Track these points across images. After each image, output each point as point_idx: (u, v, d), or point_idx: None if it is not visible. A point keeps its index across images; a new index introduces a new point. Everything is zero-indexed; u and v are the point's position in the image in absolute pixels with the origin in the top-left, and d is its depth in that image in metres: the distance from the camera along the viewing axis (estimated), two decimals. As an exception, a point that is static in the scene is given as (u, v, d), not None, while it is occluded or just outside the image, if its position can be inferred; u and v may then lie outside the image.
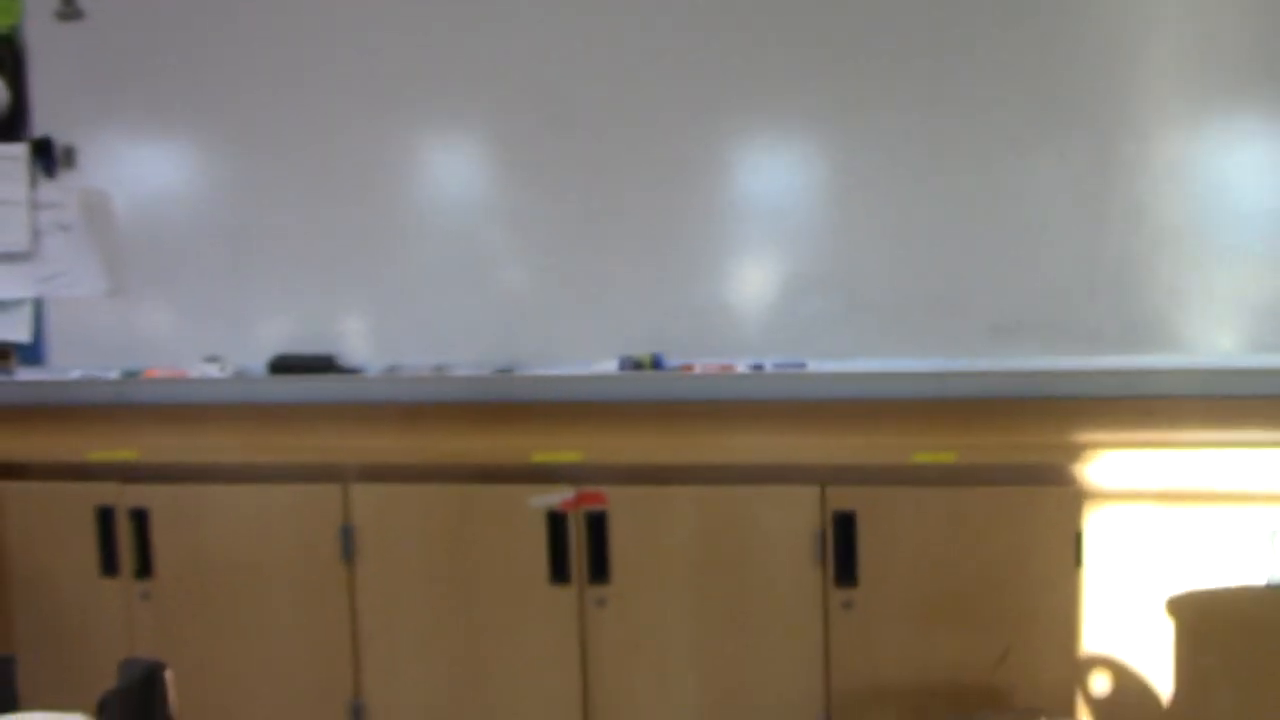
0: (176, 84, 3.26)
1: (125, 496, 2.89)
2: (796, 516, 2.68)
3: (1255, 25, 2.90)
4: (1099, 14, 2.94)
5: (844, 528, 2.66)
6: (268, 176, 3.26)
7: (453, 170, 3.23)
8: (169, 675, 1.61)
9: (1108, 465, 2.59)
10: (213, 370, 3.29)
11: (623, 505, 2.73)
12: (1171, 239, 2.96)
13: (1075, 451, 2.62)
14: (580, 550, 2.74)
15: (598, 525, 2.73)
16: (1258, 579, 2.56)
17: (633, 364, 3.15)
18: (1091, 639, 2.61)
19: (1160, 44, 2.93)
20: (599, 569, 2.74)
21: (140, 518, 2.88)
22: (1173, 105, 2.94)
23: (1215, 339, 2.97)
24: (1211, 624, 2.59)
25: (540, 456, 2.75)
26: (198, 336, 3.31)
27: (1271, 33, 2.89)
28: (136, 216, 3.32)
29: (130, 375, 3.35)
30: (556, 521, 2.74)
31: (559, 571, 2.75)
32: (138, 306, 3.34)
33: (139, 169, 3.30)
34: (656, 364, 3.14)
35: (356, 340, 3.27)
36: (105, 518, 2.90)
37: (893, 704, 2.67)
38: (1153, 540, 2.59)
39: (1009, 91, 2.97)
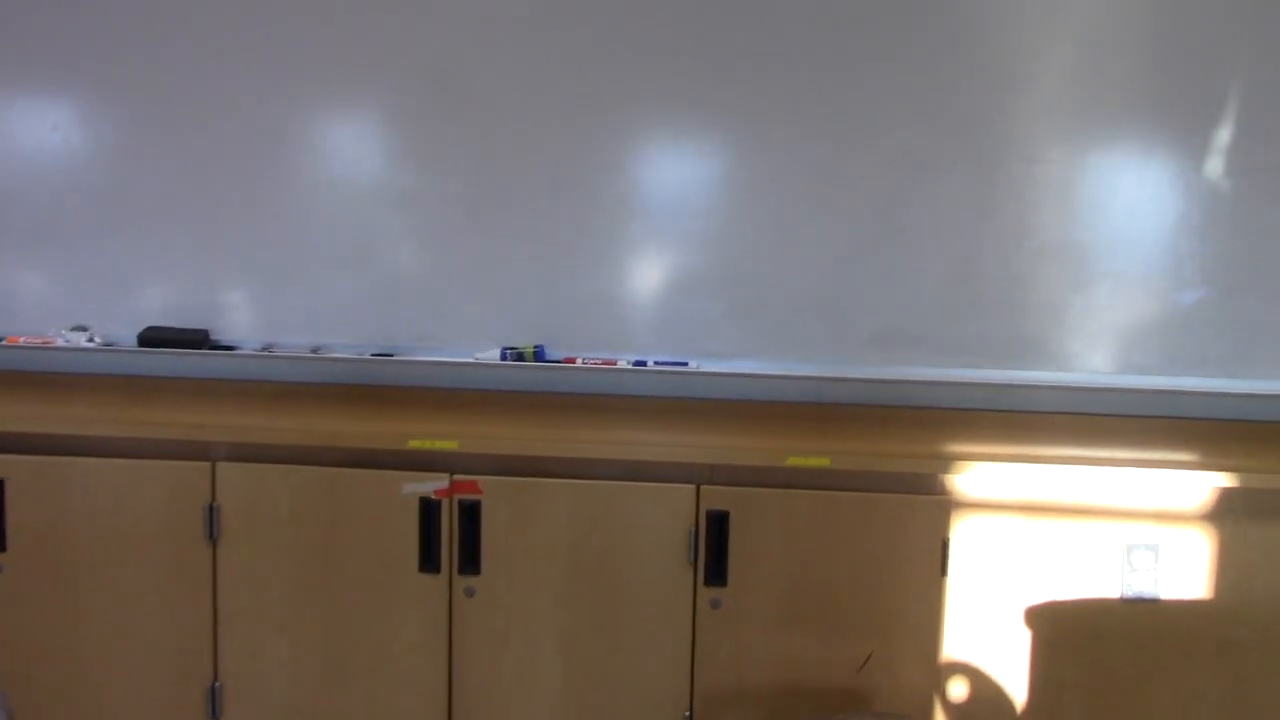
0: (56, 36, 3.14)
1: (-21, 466, 2.78)
2: (671, 514, 2.68)
3: (1136, 58, 2.99)
4: (990, 37, 3.00)
5: (717, 527, 2.67)
6: (148, 140, 3.17)
7: (340, 146, 3.17)
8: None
9: (976, 476, 2.64)
10: (79, 339, 3.18)
11: (497, 495, 2.70)
12: (1051, 258, 3.04)
13: (946, 461, 2.67)
14: (452, 539, 2.71)
15: (471, 515, 2.70)
16: (1111, 592, 2.64)
17: (515, 354, 3.13)
18: (953, 645, 2.67)
19: (1048, 69, 3.00)
20: (470, 559, 2.71)
21: (-5, 488, 2.77)
22: (1058, 128, 3.01)
23: (1087, 358, 3.06)
24: (1066, 634, 2.66)
25: (416, 443, 2.71)
26: (65, 304, 3.21)
27: (1151, 66, 2.98)
28: (4, 173, 3.19)
29: (-10, 340, 3.23)
30: (429, 509, 2.71)
31: (429, 560, 2.71)
32: (1, 268, 3.22)
33: (10, 122, 3.18)
34: (539, 355, 3.12)
35: (232, 316, 3.19)
36: (-43, 487, 2.78)
37: (756, 703, 2.69)
38: (1015, 551, 2.65)
39: (902, 107, 3.02)
